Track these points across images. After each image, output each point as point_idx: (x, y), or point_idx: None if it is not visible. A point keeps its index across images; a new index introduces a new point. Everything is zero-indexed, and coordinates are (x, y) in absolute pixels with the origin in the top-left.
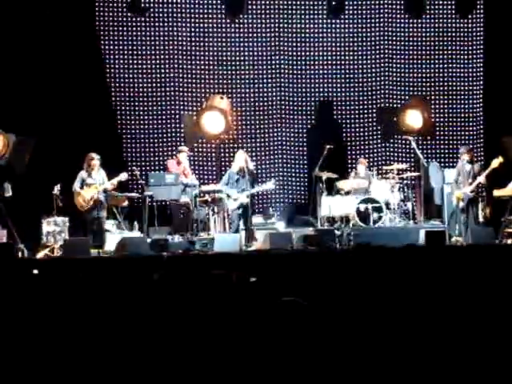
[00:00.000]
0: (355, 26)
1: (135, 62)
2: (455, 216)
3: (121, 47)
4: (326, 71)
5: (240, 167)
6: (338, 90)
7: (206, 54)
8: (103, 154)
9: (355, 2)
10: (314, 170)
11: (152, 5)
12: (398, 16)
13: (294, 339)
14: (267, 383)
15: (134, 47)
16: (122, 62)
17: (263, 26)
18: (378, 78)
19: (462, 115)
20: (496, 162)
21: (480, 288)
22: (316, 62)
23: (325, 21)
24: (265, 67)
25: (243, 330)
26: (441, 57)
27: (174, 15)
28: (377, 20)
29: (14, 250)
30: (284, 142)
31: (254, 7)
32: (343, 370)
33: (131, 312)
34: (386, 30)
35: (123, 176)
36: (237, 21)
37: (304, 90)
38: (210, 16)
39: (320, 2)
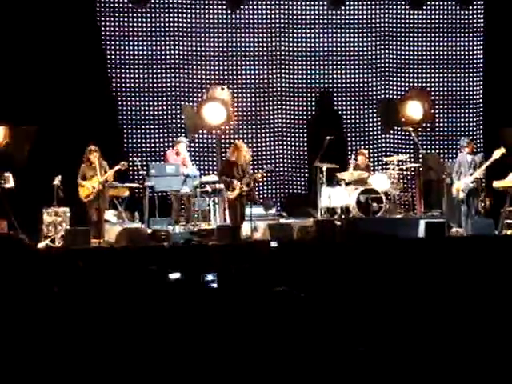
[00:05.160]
0: (356, 17)
1: (136, 52)
2: (455, 207)
3: (121, 38)
4: (326, 62)
5: (244, 157)
6: (339, 81)
7: (207, 44)
8: (104, 145)
9: None
10: (314, 161)
11: None
12: (399, 7)
13: (288, 329)
14: (263, 374)
15: (135, 38)
16: (122, 52)
17: (264, 16)
18: (379, 70)
19: (462, 107)
20: (498, 153)
21: (480, 278)
22: (316, 53)
23: (325, 12)
24: (265, 58)
25: (238, 319)
26: (441, 48)
27: (175, 6)
28: (377, 11)
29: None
30: (284, 133)
31: None
32: (340, 360)
33: (130, 302)
34: (386, 21)
35: (122, 165)
36: (237, 11)
37: (304, 80)
38: (211, 6)
39: None
